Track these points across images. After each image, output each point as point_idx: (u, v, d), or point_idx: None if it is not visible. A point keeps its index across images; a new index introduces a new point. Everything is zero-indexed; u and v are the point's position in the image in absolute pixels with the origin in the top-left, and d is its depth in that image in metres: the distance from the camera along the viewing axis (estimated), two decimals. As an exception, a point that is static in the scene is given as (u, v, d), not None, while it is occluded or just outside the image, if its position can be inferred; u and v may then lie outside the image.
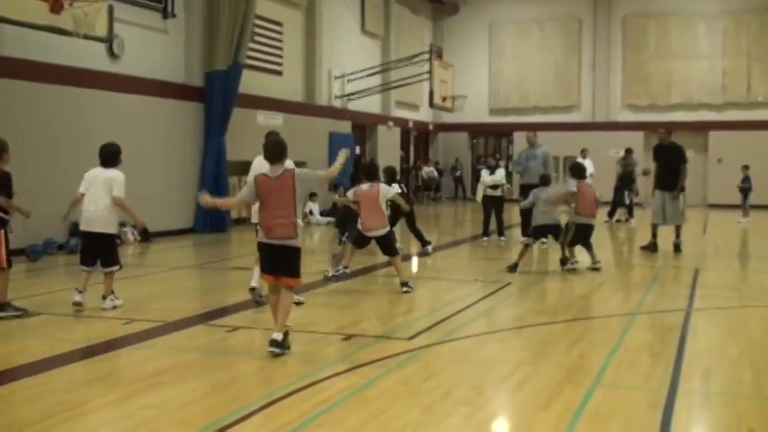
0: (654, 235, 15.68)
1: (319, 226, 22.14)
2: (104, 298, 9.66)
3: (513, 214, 22.31)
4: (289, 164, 7.74)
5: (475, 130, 36.77)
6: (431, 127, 36.11)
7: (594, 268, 12.96)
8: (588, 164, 25.35)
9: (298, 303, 9.92)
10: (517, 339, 8.40)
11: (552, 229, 13.26)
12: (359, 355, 7.41)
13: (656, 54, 33.47)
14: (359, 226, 11.36)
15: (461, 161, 35.81)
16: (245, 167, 22.35)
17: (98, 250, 9.65)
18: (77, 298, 9.44)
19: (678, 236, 15.61)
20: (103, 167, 9.66)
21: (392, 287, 11.52)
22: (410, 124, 33.55)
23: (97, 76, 16.62)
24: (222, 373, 6.87)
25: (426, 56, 28.04)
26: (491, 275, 12.77)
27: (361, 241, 11.49)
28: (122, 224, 16.98)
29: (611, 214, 22.53)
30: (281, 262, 7.54)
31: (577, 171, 13.68)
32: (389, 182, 13.99)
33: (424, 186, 34.10)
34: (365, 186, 11.31)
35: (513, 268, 12.87)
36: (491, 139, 37.16)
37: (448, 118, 35.13)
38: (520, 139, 31.43)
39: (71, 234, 15.10)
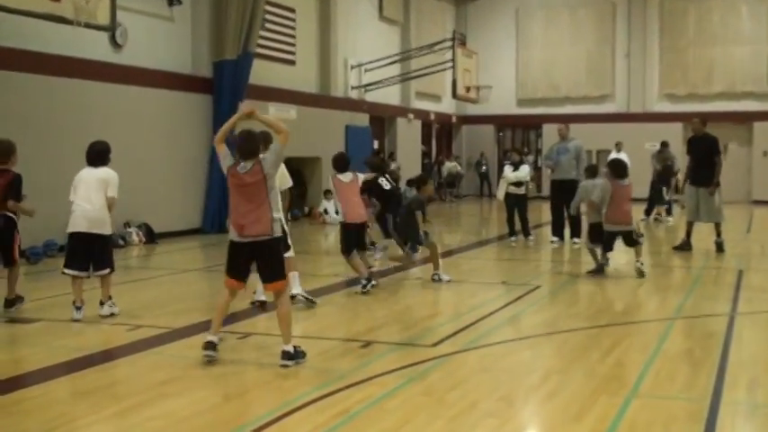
0: (688, 234, 15.59)
1: (335, 226, 22.13)
2: (102, 304, 9.62)
3: (542, 212, 22.26)
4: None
5: (501, 123, 36.69)
6: (454, 119, 36.07)
7: (639, 271, 12.53)
8: (623, 158, 25.28)
9: (309, 300, 10.04)
10: (548, 346, 8.38)
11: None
12: (378, 364, 7.40)
13: (696, 40, 33.28)
14: (342, 219, 11.54)
15: (487, 156, 35.74)
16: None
17: (92, 252, 9.62)
18: (77, 315, 9.40)
19: (719, 234, 15.48)
20: (92, 167, 9.65)
21: (413, 290, 11.51)
22: (432, 116, 33.53)
23: (99, 67, 16.70)
24: (233, 383, 6.89)
25: (449, 43, 28.02)
26: (519, 278, 12.73)
27: (349, 236, 11.44)
28: (126, 224, 17.07)
29: (647, 212, 22.42)
30: (259, 264, 7.51)
31: (619, 169, 12.82)
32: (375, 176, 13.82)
33: (447, 183, 34.03)
34: (344, 179, 11.53)
35: (598, 270, 12.64)
36: (518, 132, 37.08)
37: (472, 110, 35.08)
38: (549, 131, 31.32)
39: (72, 235, 15.17)
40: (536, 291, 11.49)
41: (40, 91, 15.35)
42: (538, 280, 12.51)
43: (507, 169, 17.19)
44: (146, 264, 15.34)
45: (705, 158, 15.24)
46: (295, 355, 7.35)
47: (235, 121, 7.80)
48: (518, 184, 16.97)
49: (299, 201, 23.81)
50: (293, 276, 10.06)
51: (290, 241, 9.81)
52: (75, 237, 9.57)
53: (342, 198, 11.56)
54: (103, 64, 16.87)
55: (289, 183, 10.08)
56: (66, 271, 9.58)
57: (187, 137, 19.20)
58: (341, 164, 11.72)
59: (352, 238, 11.49)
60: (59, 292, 10.94)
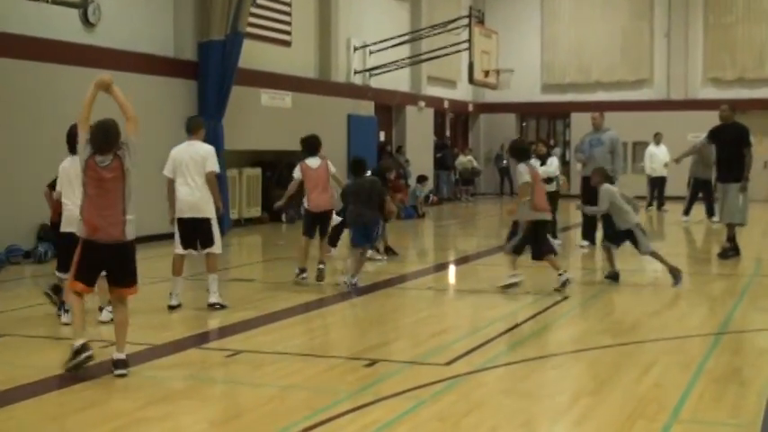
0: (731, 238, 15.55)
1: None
2: (101, 309, 9.89)
3: (569, 213, 22.24)
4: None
5: (524, 111, 36.68)
6: (471, 108, 36.07)
7: (560, 286, 12.09)
8: (663, 151, 25.25)
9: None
10: (577, 365, 8.39)
11: (629, 235, 12.82)
12: (385, 385, 7.43)
13: (746, 16, 33.21)
14: (305, 205, 12.79)
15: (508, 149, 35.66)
16: (246, 157, 22.50)
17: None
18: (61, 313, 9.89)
19: (730, 239, 15.42)
20: (74, 155, 9.75)
21: (424, 301, 11.53)
22: (445, 104, 33.53)
23: (69, 49, 16.71)
24: (221, 406, 6.91)
25: (465, 21, 27.98)
26: (544, 287, 12.73)
27: (310, 223, 12.79)
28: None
29: (687, 212, 22.40)
30: (111, 268, 7.72)
31: (520, 151, 12.82)
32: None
33: (462, 180, 33.85)
34: (312, 164, 12.69)
35: (614, 277, 12.77)
36: (544, 122, 37.06)
37: (491, 97, 35.06)
38: (578, 121, 31.33)
39: (39, 239, 15.22)
40: (564, 302, 11.50)
41: (2, 76, 15.36)
42: (565, 290, 12.51)
43: (533, 164, 17.17)
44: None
45: (734, 150, 15.21)
46: (128, 363, 7.65)
47: (94, 93, 7.97)
48: (547, 180, 16.97)
49: (296, 200, 23.78)
50: (216, 280, 10.87)
51: (219, 237, 10.96)
52: (64, 237, 9.80)
53: (307, 184, 12.67)
54: (74, 45, 16.87)
55: (214, 167, 10.83)
56: (61, 275, 9.87)
57: (169, 127, 19.19)
58: (311, 147, 12.83)
59: (313, 224, 12.81)
60: (25, 304, 10.98)
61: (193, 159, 10.79)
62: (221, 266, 15.96)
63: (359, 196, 12.54)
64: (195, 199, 10.76)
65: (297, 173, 12.78)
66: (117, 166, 7.56)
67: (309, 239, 12.85)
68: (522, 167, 12.39)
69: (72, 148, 9.80)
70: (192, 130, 11.15)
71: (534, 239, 12.24)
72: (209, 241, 10.88)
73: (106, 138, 7.60)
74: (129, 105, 7.91)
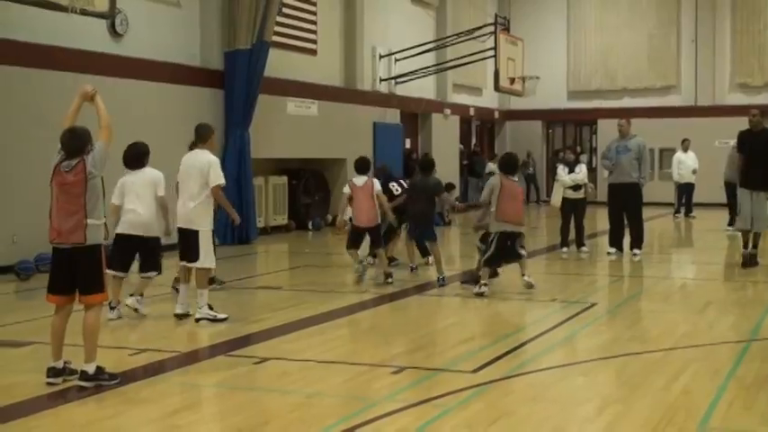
0: (745, 245, 15.38)
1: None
2: (131, 295, 10.58)
3: (596, 220, 22.17)
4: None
5: (550, 118, 36.59)
6: (496, 115, 36.01)
7: (528, 284, 12.46)
8: (691, 158, 25.13)
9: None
10: (605, 372, 8.36)
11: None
12: (412, 392, 7.42)
13: (774, 22, 33.05)
14: (351, 219, 13.61)
15: (534, 156, 35.64)
16: (272, 166, 22.56)
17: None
18: (111, 315, 10.35)
19: (756, 245, 15.29)
20: (133, 170, 10.75)
21: (451, 309, 11.49)
22: (471, 112, 33.49)
23: (96, 59, 16.79)
24: (248, 414, 6.91)
25: (490, 29, 27.97)
26: (572, 294, 12.70)
27: (354, 237, 13.57)
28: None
29: (731, 223, 22.24)
30: (75, 274, 7.76)
31: (510, 164, 12.92)
32: (386, 181, 14.88)
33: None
34: (358, 182, 13.45)
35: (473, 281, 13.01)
36: (570, 129, 36.94)
37: (517, 104, 35.01)
38: (605, 128, 31.18)
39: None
40: (591, 309, 11.45)
41: (29, 86, 15.43)
42: (593, 297, 12.46)
43: (562, 171, 17.12)
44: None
45: (763, 157, 15.10)
46: (94, 377, 7.56)
47: (79, 103, 8.35)
48: (576, 187, 16.92)
49: (322, 208, 23.86)
50: (202, 294, 10.48)
51: (208, 251, 10.52)
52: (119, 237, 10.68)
53: (354, 201, 13.48)
54: (101, 55, 16.96)
55: (219, 180, 10.56)
56: (118, 273, 10.59)
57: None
58: (359, 167, 13.73)
59: (356, 238, 13.60)
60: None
61: (196, 169, 10.57)
62: (249, 273, 16.06)
63: (422, 193, 13.62)
64: (187, 210, 10.52)
65: (346, 189, 13.65)
66: (80, 169, 7.69)
67: (355, 251, 13.62)
68: (492, 179, 12.82)
69: (130, 164, 10.75)
70: (203, 138, 10.92)
71: (504, 248, 12.48)
72: (193, 255, 10.48)
73: (74, 141, 7.81)
74: (105, 115, 8.15)
